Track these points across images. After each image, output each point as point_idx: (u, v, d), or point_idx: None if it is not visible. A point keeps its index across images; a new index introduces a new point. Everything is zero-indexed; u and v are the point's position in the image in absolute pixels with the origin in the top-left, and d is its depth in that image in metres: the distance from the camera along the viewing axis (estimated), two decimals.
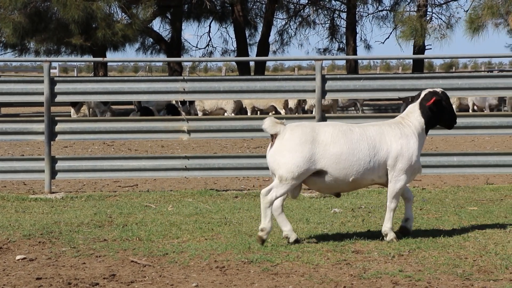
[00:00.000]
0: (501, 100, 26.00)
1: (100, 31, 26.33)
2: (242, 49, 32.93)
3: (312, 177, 7.30)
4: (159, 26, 54.96)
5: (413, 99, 7.80)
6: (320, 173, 7.28)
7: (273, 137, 7.34)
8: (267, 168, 11.04)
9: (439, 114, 7.67)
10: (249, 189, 11.31)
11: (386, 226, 7.49)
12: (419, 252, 6.94)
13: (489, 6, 21.02)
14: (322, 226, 8.16)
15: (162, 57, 34.82)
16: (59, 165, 11.16)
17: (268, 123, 7.29)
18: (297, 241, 7.39)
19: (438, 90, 7.78)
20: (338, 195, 7.81)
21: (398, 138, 7.41)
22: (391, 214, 7.49)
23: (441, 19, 32.79)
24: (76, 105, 26.41)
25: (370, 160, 7.29)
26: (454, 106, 26.75)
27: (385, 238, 7.46)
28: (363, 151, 7.27)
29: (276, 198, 7.29)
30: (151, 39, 34.96)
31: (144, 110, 24.83)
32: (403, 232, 7.64)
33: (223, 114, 23.84)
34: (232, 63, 50.62)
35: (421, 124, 7.58)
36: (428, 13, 31.82)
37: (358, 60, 40.67)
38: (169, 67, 33.60)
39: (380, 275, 6.22)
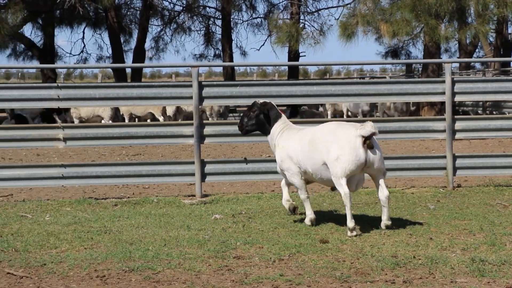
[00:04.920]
0: (373, 106, 26.79)
1: None
2: (117, 55, 32.56)
3: None
4: (30, 32, 53.69)
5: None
6: None
7: (367, 138, 7.85)
8: (146, 176, 11.08)
9: None
10: (128, 197, 11.19)
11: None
12: (299, 256, 7.05)
13: (362, 14, 21.65)
14: (203, 233, 8.16)
15: (35, 63, 33.98)
16: None
17: (373, 125, 7.90)
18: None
19: None
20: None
21: None
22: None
23: (314, 26, 33.52)
24: None
25: None
26: (329, 112, 27.47)
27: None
28: None
29: None
30: (22, 45, 34.07)
31: (18, 118, 24.17)
32: None
33: (100, 121, 23.50)
34: (108, 70, 50.02)
35: None
36: (301, 21, 32.44)
37: (235, 67, 40.88)
38: (42, 74, 32.85)
39: (262, 280, 6.28)
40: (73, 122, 23.91)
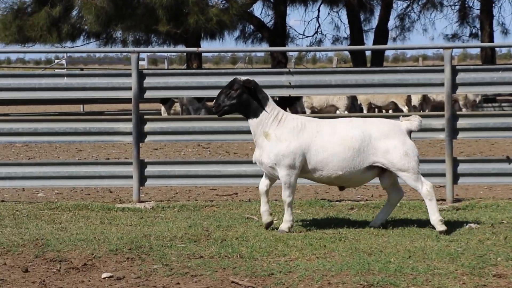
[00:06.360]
0: None
1: (192, 17, 26.62)
2: (356, 36, 32.80)
3: None
4: (260, 11, 55.35)
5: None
6: None
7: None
8: None
9: None
10: (366, 200, 11.20)
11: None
12: None
13: None
14: (456, 244, 7.98)
15: (264, 46, 34.98)
16: (149, 170, 11.31)
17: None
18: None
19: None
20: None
21: None
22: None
23: None
24: (167, 102, 26.87)
25: None
26: None
27: None
28: None
29: None
30: (251, 26, 35.15)
31: None
32: None
33: (335, 112, 23.74)
34: (345, 52, 50.54)
35: None
36: None
37: (496, 48, 39.67)
38: (272, 58, 33.78)
39: None
40: (304, 112, 24.33)
